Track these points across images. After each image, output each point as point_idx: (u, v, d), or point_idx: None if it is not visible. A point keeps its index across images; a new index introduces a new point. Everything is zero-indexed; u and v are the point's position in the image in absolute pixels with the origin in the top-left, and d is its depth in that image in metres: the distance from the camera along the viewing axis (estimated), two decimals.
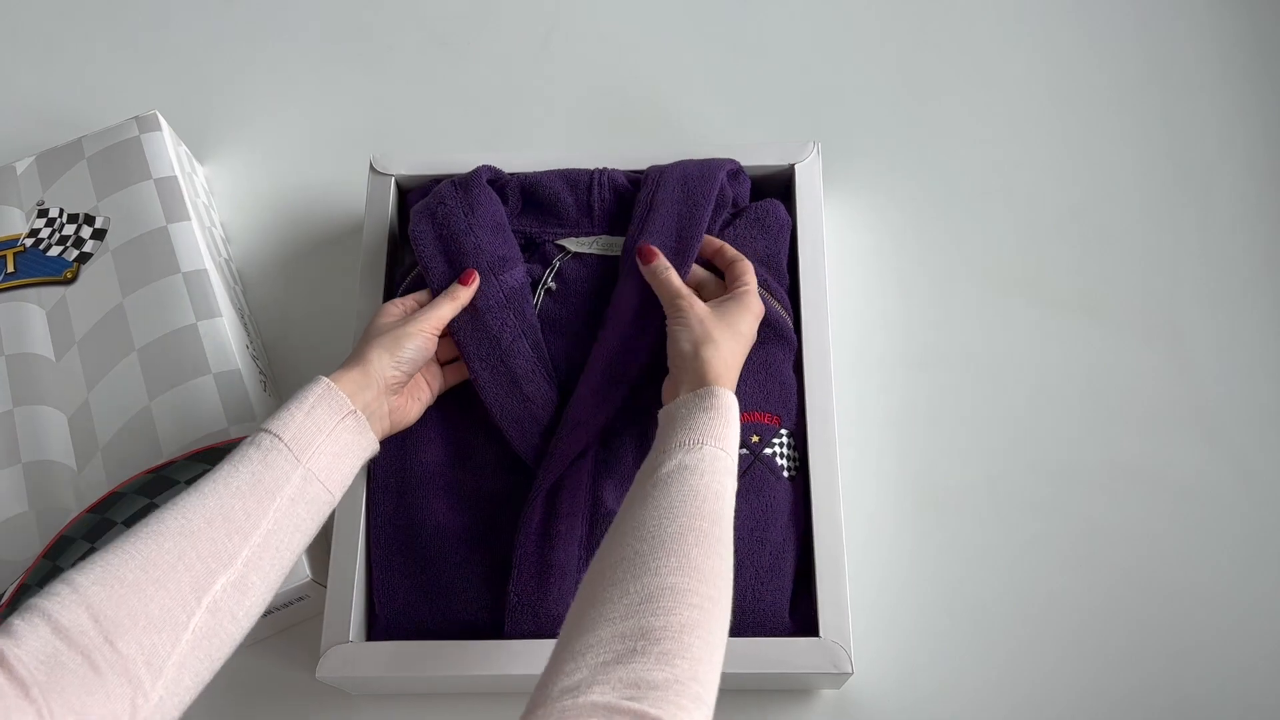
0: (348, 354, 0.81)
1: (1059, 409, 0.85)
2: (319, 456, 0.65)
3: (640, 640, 0.51)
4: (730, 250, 0.78)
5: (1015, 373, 0.86)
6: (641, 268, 0.77)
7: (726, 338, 0.71)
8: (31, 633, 0.51)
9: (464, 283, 0.77)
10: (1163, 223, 0.91)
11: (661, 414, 0.69)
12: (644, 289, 0.77)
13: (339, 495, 0.66)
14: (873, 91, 0.98)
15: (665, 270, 0.76)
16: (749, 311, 0.74)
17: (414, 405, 0.75)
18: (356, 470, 0.68)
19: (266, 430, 0.64)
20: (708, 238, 0.79)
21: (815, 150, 0.86)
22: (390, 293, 0.84)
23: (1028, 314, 0.88)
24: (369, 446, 0.69)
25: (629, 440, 0.77)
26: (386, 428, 0.73)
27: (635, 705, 0.47)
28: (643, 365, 0.76)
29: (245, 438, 0.64)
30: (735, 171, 0.84)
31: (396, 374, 0.71)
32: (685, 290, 0.74)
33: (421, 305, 0.77)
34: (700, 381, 0.69)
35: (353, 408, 0.68)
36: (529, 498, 0.74)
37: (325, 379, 0.68)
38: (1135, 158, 0.94)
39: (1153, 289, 0.89)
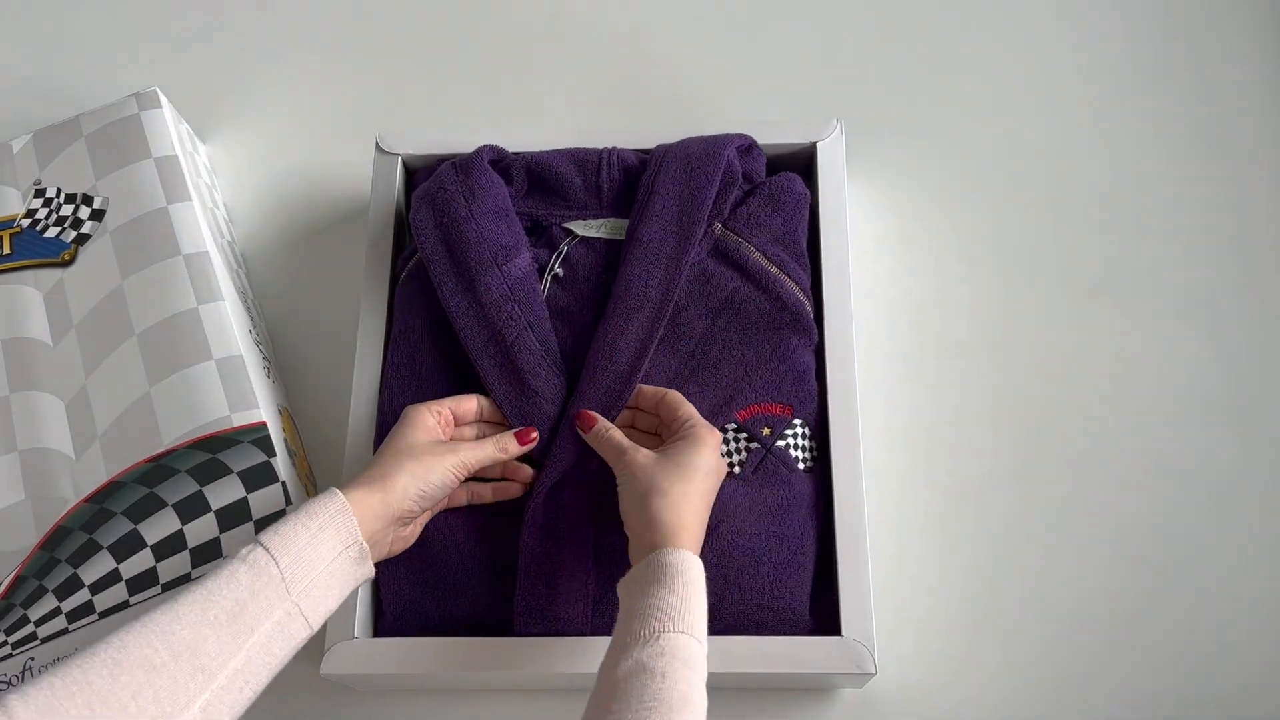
0: (352, 342, 0.80)
1: (1090, 400, 0.82)
2: (311, 590, 0.60)
3: None
4: (657, 392, 0.73)
5: (1044, 362, 0.84)
6: (584, 435, 0.72)
7: (674, 481, 0.65)
8: None
9: (521, 442, 0.72)
10: (1199, 207, 0.88)
11: (619, 587, 0.64)
12: (644, 274, 0.75)
13: (317, 628, 0.61)
14: (897, 67, 0.95)
15: (606, 432, 0.71)
16: (702, 446, 0.68)
17: (416, 532, 0.72)
18: (342, 600, 0.63)
19: (264, 547, 0.59)
20: (640, 386, 0.74)
21: (838, 128, 0.83)
22: (394, 278, 0.82)
23: (1058, 301, 0.85)
24: (364, 576, 0.64)
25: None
26: (384, 554, 0.68)
27: None
28: (647, 355, 0.74)
29: (242, 548, 0.60)
30: (747, 147, 0.80)
31: (415, 509, 0.67)
32: (628, 445, 0.69)
33: (456, 415, 0.73)
34: (650, 544, 0.63)
35: (360, 539, 0.63)
36: (530, 497, 0.73)
37: (341, 495, 0.63)
38: (1170, 138, 0.91)
39: (1188, 276, 0.86)
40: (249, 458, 0.75)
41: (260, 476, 0.75)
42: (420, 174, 0.86)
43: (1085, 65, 0.94)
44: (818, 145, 0.82)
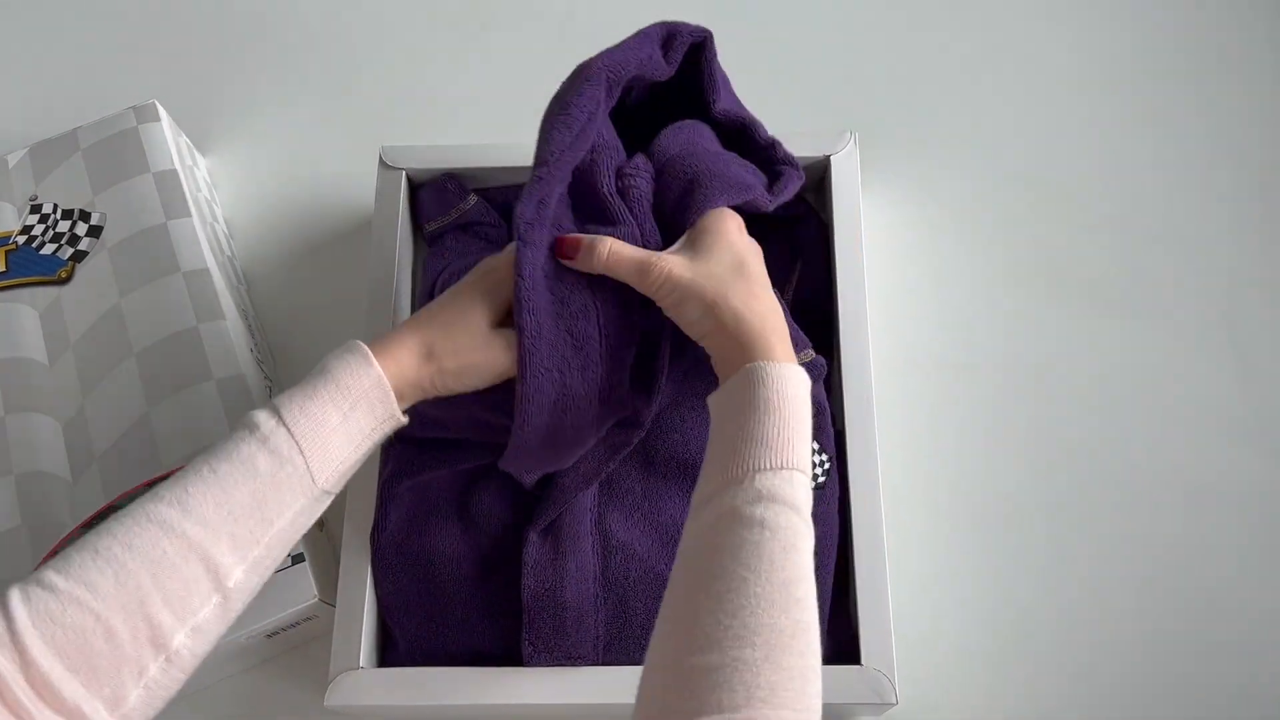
0: None
1: (1114, 418, 0.81)
2: (337, 473, 0.56)
3: None
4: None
5: (1069, 379, 0.82)
6: (572, 263, 0.61)
7: (731, 281, 0.57)
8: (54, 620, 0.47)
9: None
10: (1222, 218, 0.87)
11: (710, 400, 0.57)
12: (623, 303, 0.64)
13: (337, 493, 0.58)
14: (911, 78, 0.94)
15: (608, 250, 0.59)
16: (725, 227, 0.60)
17: None
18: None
19: (288, 430, 0.54)
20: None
21: (852, 140, 0.81)
22: (413, 295, 0.81)
23: (1082, 316, 0.84)
24: (393, 430, 0.59)
25: (634, 468, 0.73)
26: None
27: None
28: (627, 392, 0.68)
29: (258, 418, 0.54)
30: (668, 36, 0.66)
31: (453, 389, 0.61)
32: (643, 254, 0.59)
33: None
34: (733, 358, 0.56)
35: (397, 416, 0.58)
36: (524, 536, 0.70)
37: (376, 368, 0.56)
38: (1191, 149, 0.89)
39: (1211, 289, 0.84)
40: None
41: None
42: (424, 189, 0.84)
43: (1105, 76, 0.93)
44: (831, 159, 0.81)
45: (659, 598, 0.70)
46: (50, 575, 0.49)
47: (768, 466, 0.51)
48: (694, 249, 0.60)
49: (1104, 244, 0.86)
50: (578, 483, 0.70)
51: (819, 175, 0.82)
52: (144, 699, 0.50)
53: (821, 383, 0.74)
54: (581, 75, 0.61)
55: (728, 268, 0.59)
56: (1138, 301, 0.84)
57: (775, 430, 0.52)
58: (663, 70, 0.63)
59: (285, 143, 0.95)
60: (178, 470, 0.60)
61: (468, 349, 0.60)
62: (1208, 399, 0.81)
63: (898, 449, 0.79)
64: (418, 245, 0.86)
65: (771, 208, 0.67)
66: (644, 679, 0.49)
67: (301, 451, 0.54)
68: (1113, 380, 0.82)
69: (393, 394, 0.57)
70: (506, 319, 0.61)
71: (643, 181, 0.65)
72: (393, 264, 0.81)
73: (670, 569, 0.70)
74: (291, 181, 0.93)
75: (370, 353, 0.57)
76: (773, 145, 0.70)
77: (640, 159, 0.67)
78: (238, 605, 0.54)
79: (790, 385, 0.54)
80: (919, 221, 0.88)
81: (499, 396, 0.64)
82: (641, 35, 0.63)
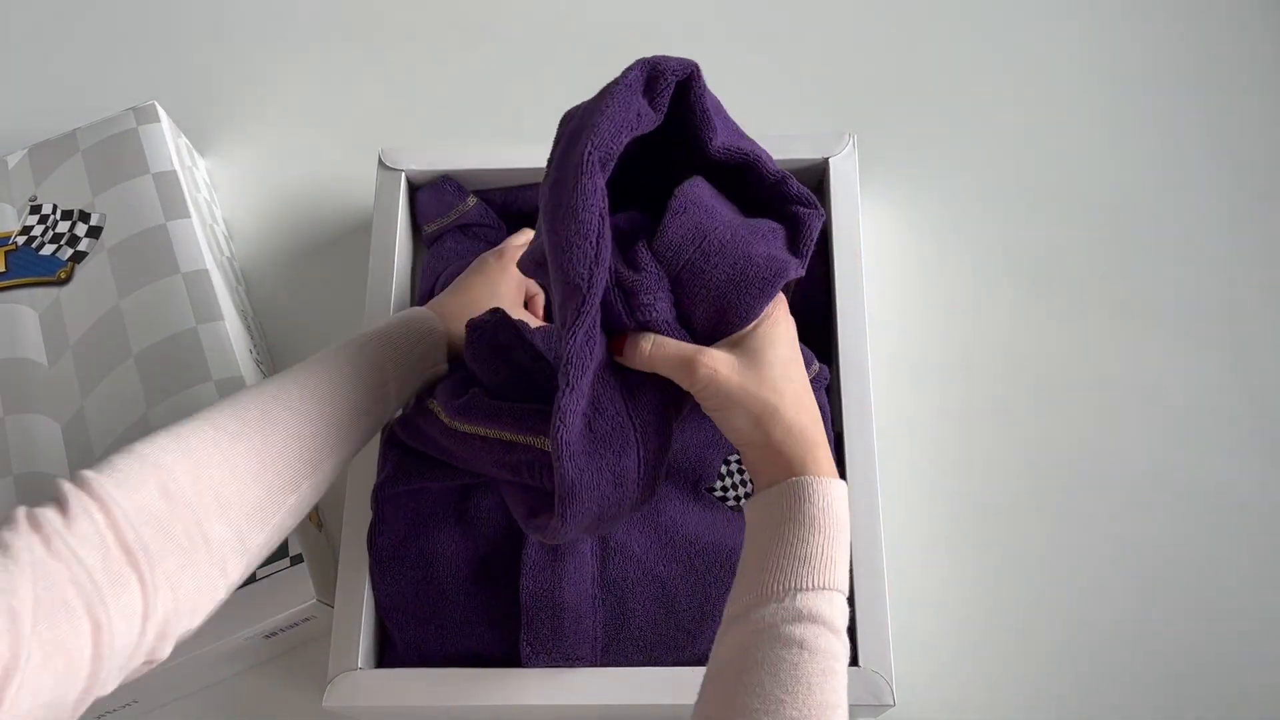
0: None
1: (1113, 421, 0.81)
2: (406, 399, 0.68)
3: None
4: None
5: (1066, 381, 0.82)
6: (621, 359, 0.57)
7: (780, 386, 0.54)
8: (141, 487, 0.50)
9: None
10: (1221, 222, 0.87)
11: (746, 510, 0.55)
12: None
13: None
14: (910, 81, 0.94)
15: (655, 346, 0.56)
16: (778, 326, 0.57)
17: None
18: None
19: (390, 362, 0.65)
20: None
21: (851, 143, 0.81)
22: (411, 293, 0.81)
23: (1080, 319, 0.84)
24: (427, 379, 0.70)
25: None
26: None
27: None
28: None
29: (401, 321, 0.68)
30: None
31: None
32: (691, 350, 0.55)
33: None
34: (776, 466, 0.54)
35: (445, 367, 0.70)
36: (524, 537, 0.71)
37: (440, 329, 0.70)
38: (1191, 153, 0.89)
39: (1209, 293, 0.84)
40: None
41: None
42: (423, 190, 0.84)
43: (1104, 77, 0.93)
44: (830, 161, 0.81)
45: (657, 599, 0.70)
46: (206, 420, 0.57)
47: (809, 586, 0.50)
48: (742, 349, 0.56)
49: (1103, 246, 0.86)
50: None
51: (818, 177, 0.82)
52: (269, 539, 0.57)
53: (823, 390, 0.74)
54: (574, 165, 0.53)
55: (779, 375, 0.55)
56: (1137, 303, 0.84)
57: (819, 548, 0.51)
58: (651, 120, 0.56)
59: (285, 144, 0.95)
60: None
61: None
62: (1208, 401, 0.81)
63: (896, 451, 0.79)
64: (417, 246, 0.86)
65: (803, 272, 0.59)
66: None
67: (390, 378, 0.65)
68: (1112, 382, 0.82)
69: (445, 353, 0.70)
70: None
71: (661, 305, 0.57)
72: (391, 265, 0.81)
73: (670, 572, 0.71)
74: (291, 183, 0.93)
75: (436, 322, 0.70)
76: (783, 180, 0.60)
77: (647, 260, 0.57)
78: (326, 486, 0.61)
79: (836, 503, 0.53)
80: (917, 224, 0.87)
81: (514, 459, 0.62)
82: (623, 88, 0.55)
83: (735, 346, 0.56)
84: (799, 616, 0.49)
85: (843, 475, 0.71)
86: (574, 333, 0.53)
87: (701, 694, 0.51)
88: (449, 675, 0.69)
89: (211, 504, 0.52)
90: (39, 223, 0.84)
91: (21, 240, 0.83)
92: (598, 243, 0.53)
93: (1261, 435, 0.80)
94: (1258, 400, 0.81)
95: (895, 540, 0.76)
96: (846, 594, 0.52)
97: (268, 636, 0.73)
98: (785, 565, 0.51)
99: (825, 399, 0.74)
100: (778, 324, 0.57)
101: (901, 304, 0.85)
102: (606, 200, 0.54)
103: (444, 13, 1.00)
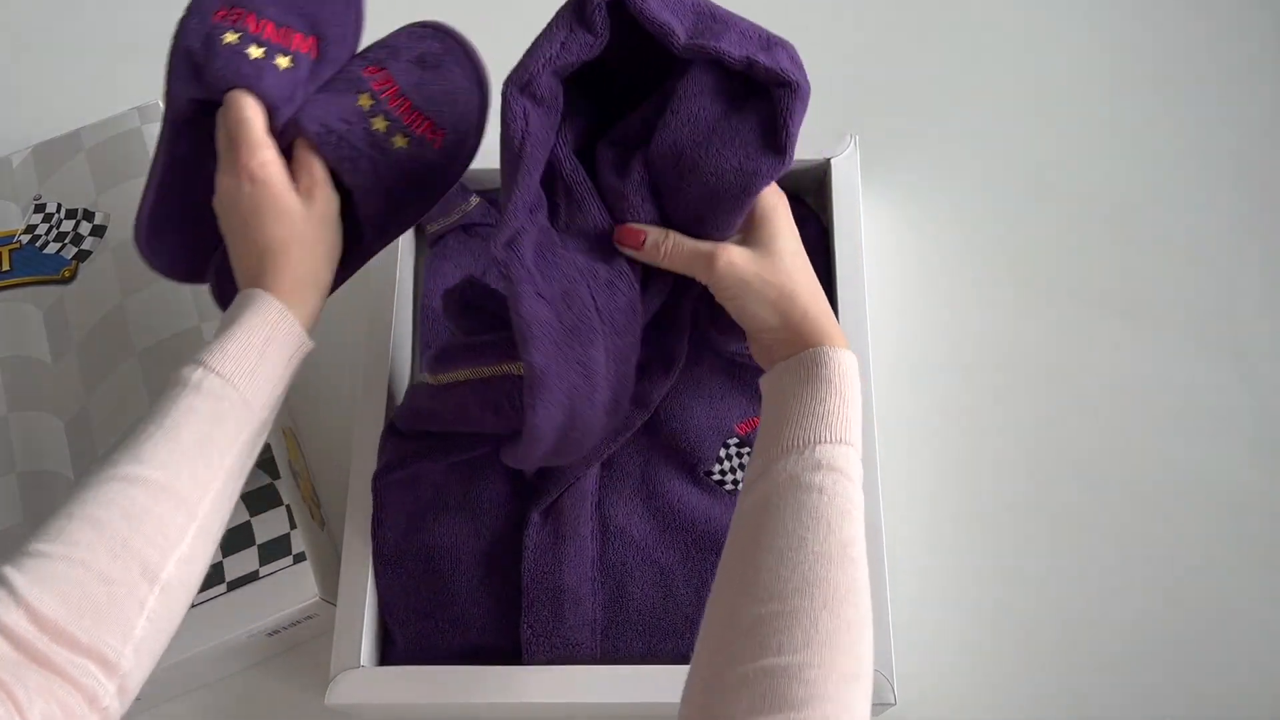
0: (358, 355, 0.79)
1: (1112, 421, 0.81)
2: (269, 400, 0.60)
3: None
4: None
5: (1064, 382, 0.82)
6: (637, 254, 0.63)
7: (794, 274, 0.59)
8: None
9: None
10: (1221, 224, 0.87)
11: (763, 383, 0.59)
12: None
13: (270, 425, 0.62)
14: (912, 81, 0.94)
15: (670, 241, 0.62)
16: (779, 210, 0.61)
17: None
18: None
19: (217, 373, 0.57)
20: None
21: (852, 144, 0.81)
22: (415, 297, 0.81)
23: (1078, 320, 0.84)
24: (307, 353, 0.63)
25: (633, 454, 0.74)
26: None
27: None
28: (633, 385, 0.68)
29: (185, 373, 0.57)
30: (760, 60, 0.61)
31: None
32: (708, 246, 0.61)
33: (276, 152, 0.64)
34: (793, 344, 0.58)
35: (305, 340, 0.62)
36: (526, 519, 0.71)
37: (276, 302, 0.60)
38: (1191, 155, 0.89)
39: (1210, 294, 0.84)
40: (253, 481, 0.73)
41: (264, 500, 0.74)
42: None
43: (1105, 78, 0.93)
44: (831, 161, 0.81)
45: (656, 584, 0.71)
46: (34, 544, 0.52)
47: (828, 440, 0.54)
48: (753, 242, 0.61)
49: (1105, 247, 0.86)
50: (580, 464, 0.71)
51: (819, 178, 0.82)
52: (149, 630, 0.52)
53: None
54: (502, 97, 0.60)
55: (791, 264, 0.60)
56: (1138, 304, 0.84)
57: (836, 408, 0.55)
58: (590, 44, 0.60)
59: None
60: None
61: (322, 246, 0.64)
62: (1209, 403, 0.81)
63: (897, 452, 0.79)
64: (419, 246, 0.86)
65: (785, 164, 0.62)
66: (704, 632, 0.51)
67: (235, 386, 0.58)
68: (1113, 383, 0.82)
69: (296, 321, 0.61)
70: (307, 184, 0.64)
71: (647, 208, 0.63)
72: (394, 265, 0.81)
73: (668, 558, 0.71)
74: None
75: (265, 292, 0.61)
76: (749, 66, 0.61)
77: (638, 167, 0.63)
78: (214, 530, 0.57)
79: (850, 370, 0.57)
80: (919, 224, 0.88)
81: (494, 395, 0.65)
82: (550, 25, 0.61)
83: (745, 242, 0.61)
84: (818, 465, 0.53)
85: None
86: (496, 238, 0.59)
87: (729, 543, 0.54)
88: (451, 673, 0.69)
89: (59, 630, 0.50)
90: (43, 221, 0.84)
91: (25, 239, 0.83)
92: (523, 159, 0.60)
93: (1264, 436, 0.80)
94: (1260, 401, 0.81)
95: (896, 538, 0.76)
96: (860, 453, 0.55)
97: (270, 634, 0.73)
98: (804, 423, 0.54)
99: None
100: (781, 220, 0.62)
101: (902, 304, 0.85)
102: (548, 118, 0.61)
103: (448, 13, 1.00)
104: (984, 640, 0.75)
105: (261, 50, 0.63)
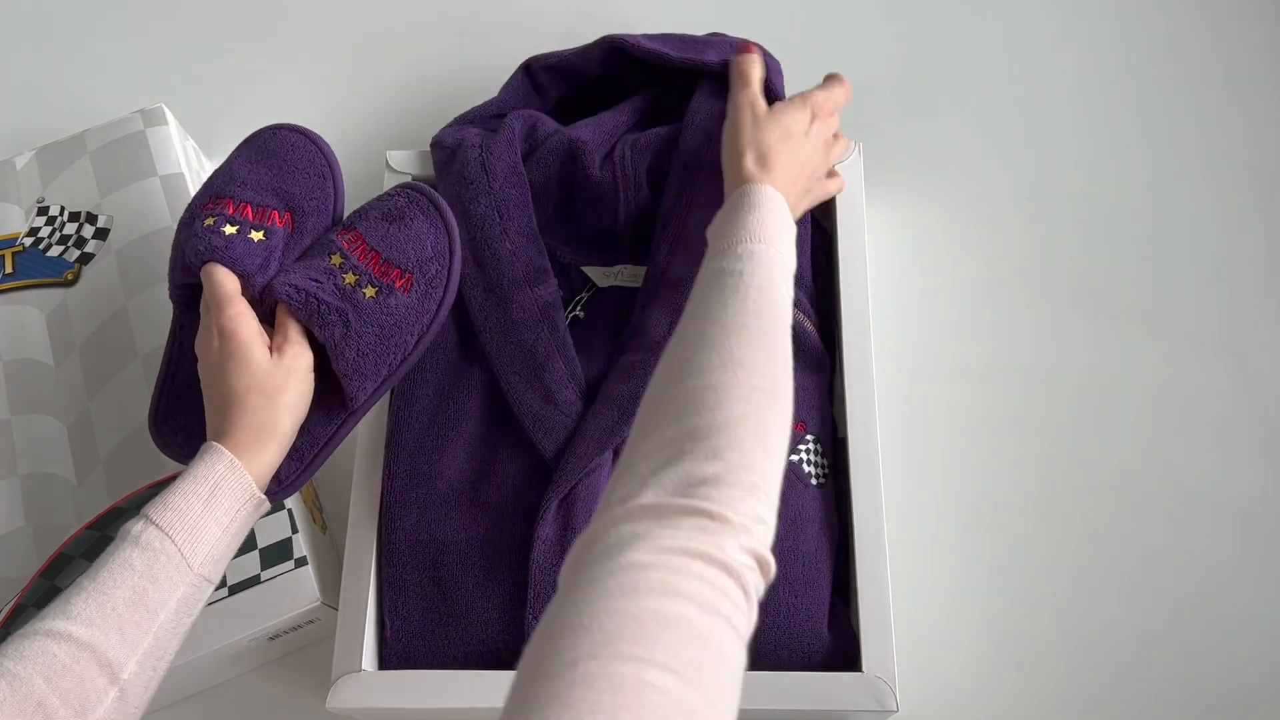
0: None
1: (1115, 426, 0.81)
2: (211, 557, 0.58)
3: (687, 442, 0.50)
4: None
5: (1068, 387, 0.82)
6: (737, 56, 0.75)
7: (768, 126, 0.69)
8: None
9: None
10: (1225, 229, 0.87)
11: (708, 232, 0.66)
12: (668, 314, 0.73)
13: (218, 580, 0.60)
14: (915, 87, 0.94)
15: (751, 64, 0.73)
16: (793, 107, 0.71)
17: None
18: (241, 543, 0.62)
19: (156, 525, 0.56)
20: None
21: (856, 150, 0.81)
22: None
23: (1081, 325, 0.84)
24: (262, 514, 0.63)
25: None
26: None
27: (684, 501, 0.48)
28: None
29: (128, 525, 0.57)
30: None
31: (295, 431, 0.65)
32: (753, 83, 0.73)
33: (252, 315, 0.66)
34: (735, 180, 0.68)
35: (256, 493, 0.61)
36: (542, 508, 0.71)
37: (227, 454, 0.60)
38: (1195, 159, 0.89)
39: (1214, 299, 0.84)
40: None
41: None
42: None
43: (1109, 84, 0.93)
44: (835, 168, 0.81)
45: None
46: None
47: (751, 240, 0.62)
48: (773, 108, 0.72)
49: (1107, 251, 0.86)
50: (590, 450, 0.71)
51: None
52: None
53: (820, 372, 0.77)
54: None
55: (774, 120, 0.70)
56: (1141, 308, 0.84)
57: (757, 223, 0.63)
58: (589, 66, 0.84)
59: None
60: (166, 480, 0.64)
61: (285, 395, 0.64)
62: (1211, 407, 0.81)
63: (900, 456, 0.80)
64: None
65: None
66: (642, 408, 0.56)
67: (172, 540, 0.57)
68: (1115, 387, 0.82)
69: (248, 474, 0.61)
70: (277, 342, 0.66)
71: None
72: None
73: None
74: None
75: (217, 444, 0.61)
76: (726, 65, 0.77)
77: (625, 159, 0.79)
78: (136, 699, 0.55)
79: (774, 198, 0.65)
80: (922, 230, 0.88)
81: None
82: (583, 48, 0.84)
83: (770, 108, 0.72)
84: (737, 257, 0.60)
85: (847, 479, 0.72)
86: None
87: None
88: (452, 677, 0.69)
89: None
90: (46, 224, 0.84)
91: (29, 242, 0.83)
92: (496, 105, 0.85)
93: (1265, 440, 0.80)
94: (1261, 405, 0.81)
95: (900, 544, 0.76)
96: (787, 255, 0.63)
97: (272, 638, 0.73)
98: (731, 235, 0.62)
99: (822, 379, 0.77)
100: (795, 109, 0.72)
101: (906, 310, 0.85)
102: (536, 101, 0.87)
103: (452, 16, 1.00)
104: (987, 646, 0.75)
105: (235, 228, 0.68)
